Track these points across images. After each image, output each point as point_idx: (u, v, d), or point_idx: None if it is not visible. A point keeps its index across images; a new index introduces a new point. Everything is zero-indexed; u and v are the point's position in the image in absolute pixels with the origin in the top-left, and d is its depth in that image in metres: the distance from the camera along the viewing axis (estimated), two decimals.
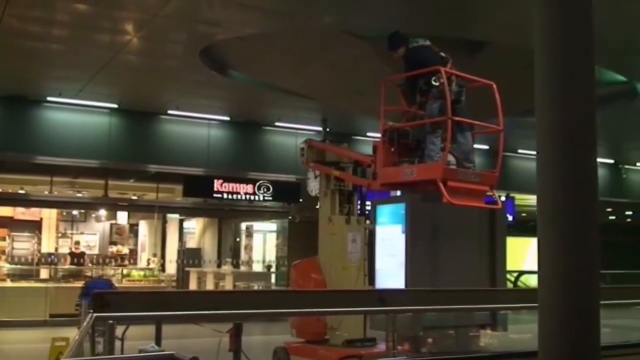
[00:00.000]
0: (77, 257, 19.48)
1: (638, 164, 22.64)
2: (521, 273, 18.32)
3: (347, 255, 9.15)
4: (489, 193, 8.00)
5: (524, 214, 23.66)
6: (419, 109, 7.80)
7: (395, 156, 7.76)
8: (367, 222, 9.65)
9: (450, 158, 7.35)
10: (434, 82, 7.35)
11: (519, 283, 17.67)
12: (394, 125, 7.87)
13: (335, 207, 9.43)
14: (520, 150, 19.18)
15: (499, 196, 8.61)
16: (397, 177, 7.71)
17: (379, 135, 8.24)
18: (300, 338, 9.35)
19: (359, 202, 9.95)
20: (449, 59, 7.71)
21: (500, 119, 7.63)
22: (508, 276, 14.58)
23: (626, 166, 22.45)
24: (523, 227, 21.15)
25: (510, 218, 18.29)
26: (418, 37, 7.93)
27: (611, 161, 21.81)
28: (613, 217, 28.44)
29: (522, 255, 19.43)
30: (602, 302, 2.62)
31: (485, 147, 15.74)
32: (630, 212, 28.99)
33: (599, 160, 20.53)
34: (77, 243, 21.09)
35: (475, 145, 8.14)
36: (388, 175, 7.82)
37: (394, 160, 7.76)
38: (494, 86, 7.59)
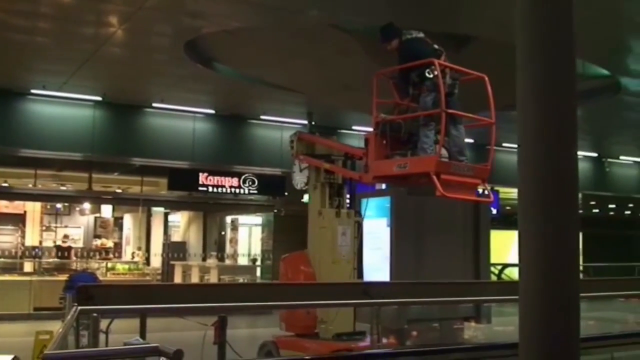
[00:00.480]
0: (64, 251, 19.37)
1: (621, 157, 22.83)
2: (505, 266, 18.46)
3: (337, 249, 9.02)
4: (481, 186, 8.01)
5: (508, 207, 23.76)
6: (411, 102, 7.73)
7: (388, 149, 7.67)
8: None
9: (443, 151, 7.31)
10: (427, 75, 7.28)
11: (502, 276, 17.80)
12: (387, 118, 7.77)
13: (325, 200, 9.28)
14: (505, 144, 19.26)
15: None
16: (390, 170, 7.63)
17: (364, 128, 8.19)
18: (290, 331, 9.24)
19: (349, 195, 9.88)
20: (442, 51, 7.64)
21: (492, 111, 7.62)
22: (492, 269, 14.70)
23: (609, 159, 22.62)
24: (507, 220, 21.24)
25: (494, 211, 18.37)
26: (412, 29, 7.88)
27: (595, 155, 21.96)
28: (596, 211, 28.68)
29: (506, 248, 19.57)
30: (583, 294, 2.65)
31: (470, 140, 15.79)
32: (613, 206, 29.24)
33: (583, 153, 20.74)
34: (66, 237, 20.96)
35: None
36: (380, 168, 7.75)
37: (386, 153, 7.67)
38: (486, 79, 7.57)
